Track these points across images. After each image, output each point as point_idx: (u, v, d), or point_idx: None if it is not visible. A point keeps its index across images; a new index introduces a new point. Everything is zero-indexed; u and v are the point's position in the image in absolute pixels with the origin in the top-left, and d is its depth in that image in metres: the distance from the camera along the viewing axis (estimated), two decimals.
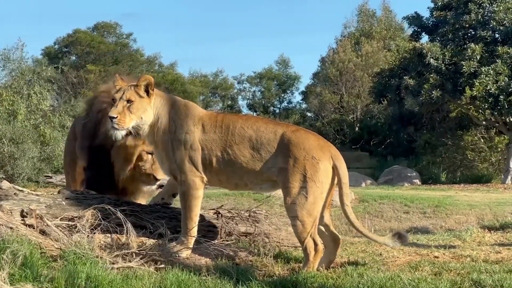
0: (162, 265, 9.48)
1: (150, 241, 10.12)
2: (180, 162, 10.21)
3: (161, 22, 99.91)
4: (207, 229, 10.76)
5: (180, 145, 10.28)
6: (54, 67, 42.16)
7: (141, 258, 9.54)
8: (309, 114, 53.82)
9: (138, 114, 10.14)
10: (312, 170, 9.79)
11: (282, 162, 9.99)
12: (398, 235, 10.19)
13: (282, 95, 58.31)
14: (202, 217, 10.97)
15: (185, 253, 9.92)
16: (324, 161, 9.95)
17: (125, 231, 10.05)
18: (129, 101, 10.00)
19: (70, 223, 10.36)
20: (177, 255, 9.43)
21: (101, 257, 9.17)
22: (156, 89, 10.73)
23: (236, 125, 10.36)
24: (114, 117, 9.82)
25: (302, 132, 10.43)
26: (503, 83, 35.55)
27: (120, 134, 9.97)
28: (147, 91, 10.30)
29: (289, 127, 10.54)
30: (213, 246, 10.35)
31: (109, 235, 10.11)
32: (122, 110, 9.95)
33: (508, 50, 36.64)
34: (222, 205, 12.70)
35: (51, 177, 33.67)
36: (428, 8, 42.19)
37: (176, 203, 11.74)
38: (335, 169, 10.14)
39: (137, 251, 9.68)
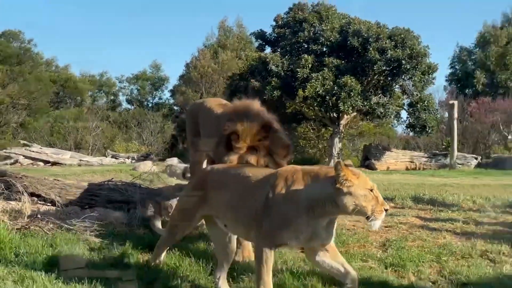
0: (52, 226, 9.27)
1: (43, 207, 9.92)
2: None
3: (56, 30, 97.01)
4: (90, 198, 10.52)
5: None
6: None
7: (37, 221, 9.37)
8: (175, 108, 53.65)
9: None
10: None
11: None
12: None
13: (154, 92, 58.12)
14: (88, 188, 10.76)
15: None
16: None
17: (22, 199, 9.86)
18: None
19: None
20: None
21: (3, 220, 8.97)
22: None
23: None
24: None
25: None
26: (328, 86, 36.15)
27: None
28: None
29: None
30: (97, 210, 10.11)
31: (11, 202, 9.90)
32: None
33: (333, 61, 37.29)
34: (112, 179, 12.49)
35: None
36: (271, 26, 42.52)
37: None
38: None
39: (32, 215, 9.51)
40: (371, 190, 6.20)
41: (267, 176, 6.67)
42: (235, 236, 7.56)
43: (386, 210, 6.26)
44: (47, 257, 8.16)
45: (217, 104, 8.84)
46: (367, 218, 6.16)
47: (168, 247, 8.12)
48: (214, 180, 7.03)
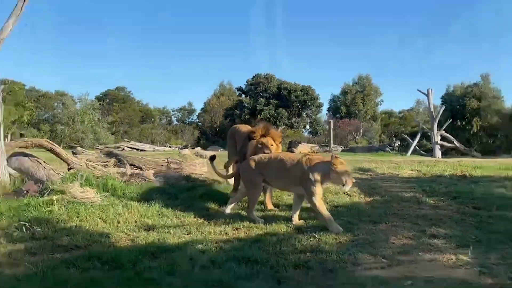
0: (140, 180, 9.17)
1: (136, 171, 9.78)
2: None
3: (141, 84, 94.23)
4: (160, 166, 10.36)
5: None
6: (99, 104, 40.92)
7: (133, 177, 9.29)
8: (199, 124, 53.09)
9: None
10: None
11: None
12: None
13: (189, 116, 57.62)
14: (159, 161, 10.57)
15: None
16: None
17: (126, 167, 9.76)
18: None
19: (104, 163, 10.00)
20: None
21: (116, 177, 8.87)
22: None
23: None
24: None
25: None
26: (272, 113, 36.21)
27: None
28: None
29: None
30: (163, 173, 9.88)
31: (120, 168, 9.78)
32: None
33: (274, 101, 37.56)
34: (169, 157, 12.35)
35: (98, 146, 32.21)
36: (245, 84, 42.70)
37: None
38: None
39: (131, 175, 9.41)
40: (347, 171, 6.21)
41: (299, 160, 6.54)
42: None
43: (353, 182, 6.28)
44: (138, 194, 8.11)
45: (244, 127, 8.75)
46: (343, 185, 6.18)
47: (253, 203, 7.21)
48: (265, 162, 6.79)
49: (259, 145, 7.42)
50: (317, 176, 6.30)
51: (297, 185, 6.53)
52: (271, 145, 7.43)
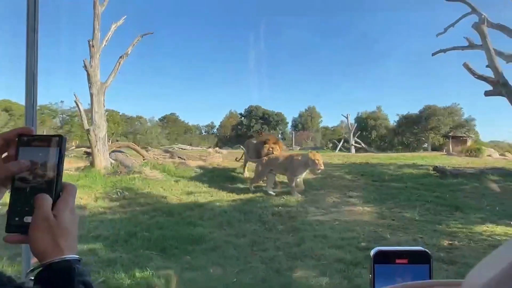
0: (184, 166, 8.58)
1: (182, 161, 9.15)
2: None
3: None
4: (194, 160, 10.09)
5: None
6: (160, 122, 39.60)
7: (180, 164, 8.93)
8: (218, 134, 51.83)
9: None
10: None
11: None
12: None
13: (212, 129, 56.67)
14: (194, 156, 10.17)
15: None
16: None
17: (176, 158, 9.50)
18: None
19: (164, 156, 9.53)
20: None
21: (170, 164, 8.45)
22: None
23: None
24: None
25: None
26: (259, 128, 35.82)
27: None
28: None
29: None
30: (196, 163, 9.45)
31: (173, 159, 9.30)
32: None
33: (261, 121, 36.96)
34: (200, 154, 11.97)
35: (160, 147, 31.44)
36: (243, 111, 42.06)
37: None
38: None
39: (179, 163, 9.02)
40: (319, 160, 5.87)
41: (290, 155, 6.37)
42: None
43: (322, 167, 5.89)
44: (183, 174, 7.67)
45: (254, 139, 8.37)
46: (316, 169, 5.88)
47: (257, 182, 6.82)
48: (273, 159, 6.49)
49: (270, 149, 7.22)
50: (300, 166, 6.15)
51: (287, 171, 6.39)
52: (277, 149, 7.28)
